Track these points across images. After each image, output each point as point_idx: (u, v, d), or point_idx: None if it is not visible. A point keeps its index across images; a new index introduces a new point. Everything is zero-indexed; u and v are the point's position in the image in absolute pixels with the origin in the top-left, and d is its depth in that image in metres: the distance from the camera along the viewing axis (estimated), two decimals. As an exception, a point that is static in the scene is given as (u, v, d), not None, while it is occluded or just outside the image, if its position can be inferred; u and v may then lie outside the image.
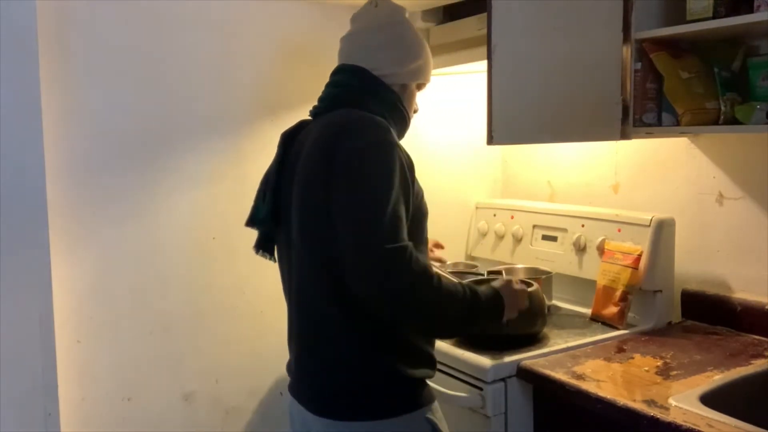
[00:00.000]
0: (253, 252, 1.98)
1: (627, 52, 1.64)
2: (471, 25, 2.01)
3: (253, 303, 1.98)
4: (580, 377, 1.43)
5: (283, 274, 1.45)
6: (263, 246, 1.48)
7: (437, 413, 1.34)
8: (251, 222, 1.48)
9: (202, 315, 1.90)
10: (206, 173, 1.89)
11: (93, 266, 1.74)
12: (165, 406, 1.86)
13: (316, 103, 1.46)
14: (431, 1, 2.07)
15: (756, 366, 1.46)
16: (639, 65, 1.65)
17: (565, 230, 2.02)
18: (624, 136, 1.66)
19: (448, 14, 2.17)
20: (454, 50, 2.00)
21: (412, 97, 1.48)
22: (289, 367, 1.44)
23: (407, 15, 1.50)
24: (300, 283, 1.36)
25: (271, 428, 2.02)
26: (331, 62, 2.15)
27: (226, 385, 1.95)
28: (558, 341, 1.66)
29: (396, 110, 1.42)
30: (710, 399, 1.28)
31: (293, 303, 1.40)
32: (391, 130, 1.31)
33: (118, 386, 1.79)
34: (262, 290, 1.98)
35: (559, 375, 1.44)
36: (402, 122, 1.44)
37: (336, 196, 1.23)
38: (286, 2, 1.98)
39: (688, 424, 1.17)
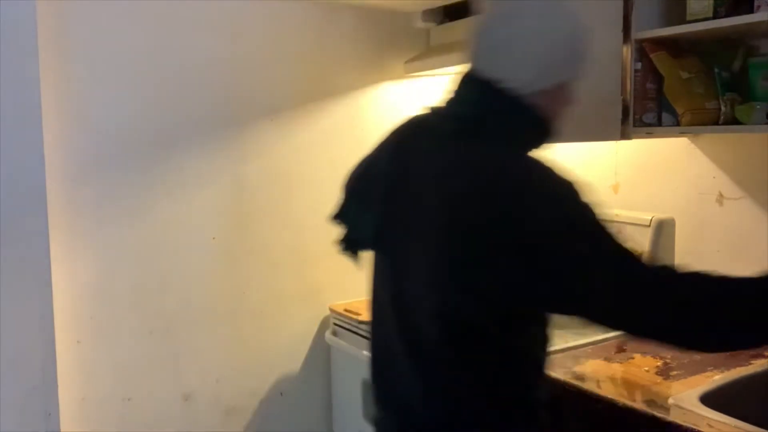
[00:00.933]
0: (252, 252, 1.99)
1: (627, 52, 1.63)
2: (471, 25, 2.01)
3: (253, 303, 1.98)
4: (580, 377, 1.43)
5: (377, 294, 1.21)
6: (351, 245, 1.22)
7: None
8: (341, 218, 1.23)
9: (202, 315, 1.90)
10: (206, 173, 1.89)
11: (93, 266, 1.74)
12: (165, 406, 1.86)
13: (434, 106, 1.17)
14: (431, 1, 2.07)
15: (756, 366, 1.46)
16: (639, 65, 1.64)
17: (565, 230, 2.02)
18: (624, 136, 1.66)
19: (448, 14, 2.17)
20: (454, 50, 2.00)
21: (558, 98, 1.13)
22: (387, 409, 1.21)
23: None
24: (409, 323, 1.13)
25: (271, 428, 2.02)
26: (331, 62, 2.15)
27: (226, 385, 1.95)
28: (558, 341, 1.65)
29: (534, 128, 1.11)
30: (710, 399, 1.27)
31: (396, 343, 1.15)
32: (553, 169, 1.04)
33: (118, 386, 1.79)
34: (262, 290, 1.98)
35: (559, 375, 1.44)
36: (541, 135, 1.13)
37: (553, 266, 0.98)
38: (287, 2, 1.98)
39: (688, 424, 1.17)
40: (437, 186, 1.06)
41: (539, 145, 1.11)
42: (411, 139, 1.16)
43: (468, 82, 1.12)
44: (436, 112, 1.15)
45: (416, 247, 1.09)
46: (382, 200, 1.14)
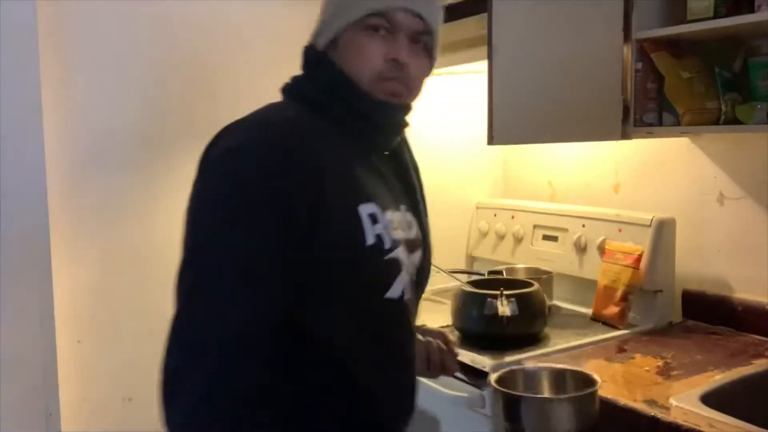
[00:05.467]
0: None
1: (627, 52, 1.64)
2: (471, 25, 2.01)
3: (254, 303, 1.98)
4: (580, 377, 1.42)
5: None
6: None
7: None
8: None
9: (202, 315, 1.90)
10: (206, 173, 1.89)
11: (93, 266, 1.74)
12: (165, 406, 1.86)
13: None
14: (431, 1, 2.07)
15: (756, 366, 1.46)
16: (640, 65, 1.65)
17: (565, 230, 2.02)
18: (625, 136, 1.66)
19: (448, 14, 2.17)
20: (454, 50, 2.00)
21: (350, 48, 0.96)
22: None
23: None
24: None
25: (272, 428, 2.02)
26: (331, 62, 2.12)
27: (226, 385, 1.95)
28: (559, 341, 1.66)
29: (331, 83, 0.97)
30: (711, 399, 1.27)
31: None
32: (301, 127, 0.94)
33: (118, 386, 1.79)
34: (262, 290, 1.98)
35: (560, 375, 1.44)
36: (339, 99, 0.97)
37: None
38: (287, 2, 1.98)
39: (689, 424, 1.17)
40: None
41: (333, 97, 0.98)
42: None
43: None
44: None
45: None
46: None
